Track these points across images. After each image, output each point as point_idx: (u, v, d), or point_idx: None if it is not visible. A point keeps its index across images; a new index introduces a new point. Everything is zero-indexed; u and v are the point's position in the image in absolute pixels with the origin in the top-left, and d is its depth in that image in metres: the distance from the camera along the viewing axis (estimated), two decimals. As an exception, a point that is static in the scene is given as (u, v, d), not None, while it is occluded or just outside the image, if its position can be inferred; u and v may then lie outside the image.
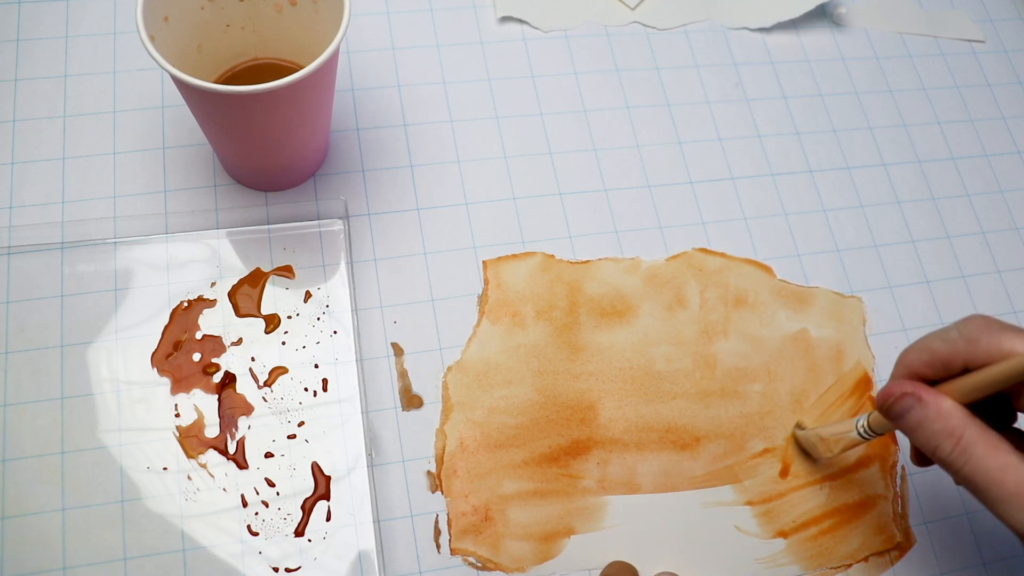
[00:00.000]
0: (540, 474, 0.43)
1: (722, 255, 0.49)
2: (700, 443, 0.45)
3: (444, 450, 0.43)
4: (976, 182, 0.54)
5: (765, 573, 0.43)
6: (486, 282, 0.47)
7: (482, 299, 0.46)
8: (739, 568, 0.43)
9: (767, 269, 0.49)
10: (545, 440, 0.44)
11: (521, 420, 0.44)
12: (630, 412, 0.45)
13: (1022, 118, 0.57)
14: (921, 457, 0.38)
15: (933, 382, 0.35)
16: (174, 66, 0.37)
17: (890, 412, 0.35)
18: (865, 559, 0.43)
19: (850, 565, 0.43)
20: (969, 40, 0.59)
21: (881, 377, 0.47)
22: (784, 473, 0.45)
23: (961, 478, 0.33)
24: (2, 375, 0.41)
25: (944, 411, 0.33)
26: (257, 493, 0.41)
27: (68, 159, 0.47)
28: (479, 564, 0.41)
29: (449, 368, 0.45)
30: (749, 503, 0.44)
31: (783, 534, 0.44)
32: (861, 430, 0.40)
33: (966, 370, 0.34)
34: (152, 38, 0.38)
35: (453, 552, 0.41)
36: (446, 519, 0.42)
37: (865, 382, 0.47)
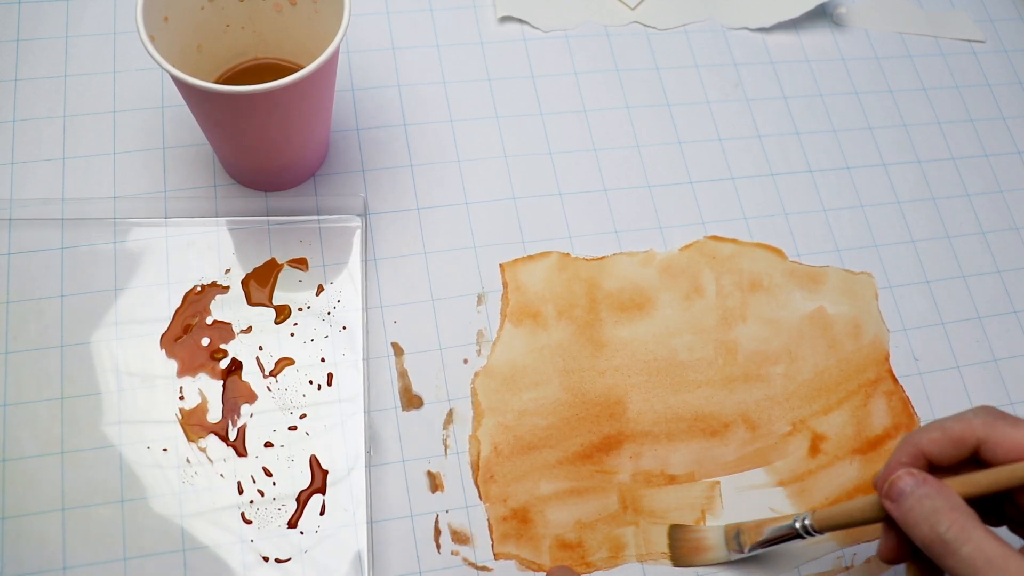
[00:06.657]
0: (575, 472, 0.43)
1: (733, 241, 0.50)
2: (729, 428, 0.45)
3: (479, 456, 0.43)
4: (976, 182, 0.54)
5: (803, 552, 0.43)
6: (504, 285, 0.47)
7: (503, 302, 0.46)
8: (777, 549, 0.43)
9: (778, 251, 0.50)
10: (577, 438, 0.44)
11: (552, 420, 0.44)
12: (658, 404, 0.45)
13: (1022, 118, 0.57)
14: (894, 551, 0.36)
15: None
16: (174, 66, 0.37)
17: (890, 491, 0.33)
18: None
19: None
20: (969, 40, 0.59)
21: (894, 354, 0.48)
22: (813, 451, 0.45)
23: (957, 560, 0.31)
24: (2, 375, 0.41)
25: (945, 490, 0.32)
26: (254, 482, 0.41)
27: (68, 159, 0.47)
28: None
29: (476, 373, 0.45)
30: (781, 483, 0.44)
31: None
32: (801, 528, 0.38)
33: (974, 459, 0.34)
34: (152, 38, 0.38)
35: (497, 557, 0.41)
36: (486, 524, 0.42)
37: (883, 359, 0.48)
